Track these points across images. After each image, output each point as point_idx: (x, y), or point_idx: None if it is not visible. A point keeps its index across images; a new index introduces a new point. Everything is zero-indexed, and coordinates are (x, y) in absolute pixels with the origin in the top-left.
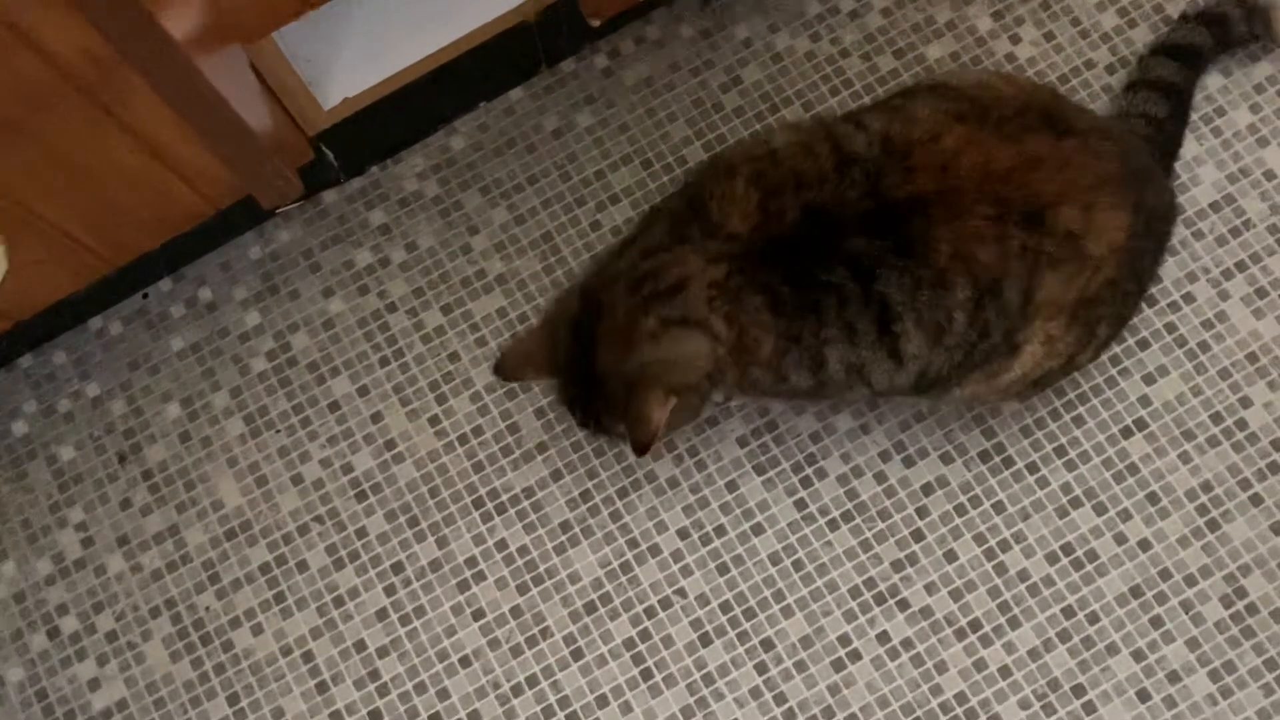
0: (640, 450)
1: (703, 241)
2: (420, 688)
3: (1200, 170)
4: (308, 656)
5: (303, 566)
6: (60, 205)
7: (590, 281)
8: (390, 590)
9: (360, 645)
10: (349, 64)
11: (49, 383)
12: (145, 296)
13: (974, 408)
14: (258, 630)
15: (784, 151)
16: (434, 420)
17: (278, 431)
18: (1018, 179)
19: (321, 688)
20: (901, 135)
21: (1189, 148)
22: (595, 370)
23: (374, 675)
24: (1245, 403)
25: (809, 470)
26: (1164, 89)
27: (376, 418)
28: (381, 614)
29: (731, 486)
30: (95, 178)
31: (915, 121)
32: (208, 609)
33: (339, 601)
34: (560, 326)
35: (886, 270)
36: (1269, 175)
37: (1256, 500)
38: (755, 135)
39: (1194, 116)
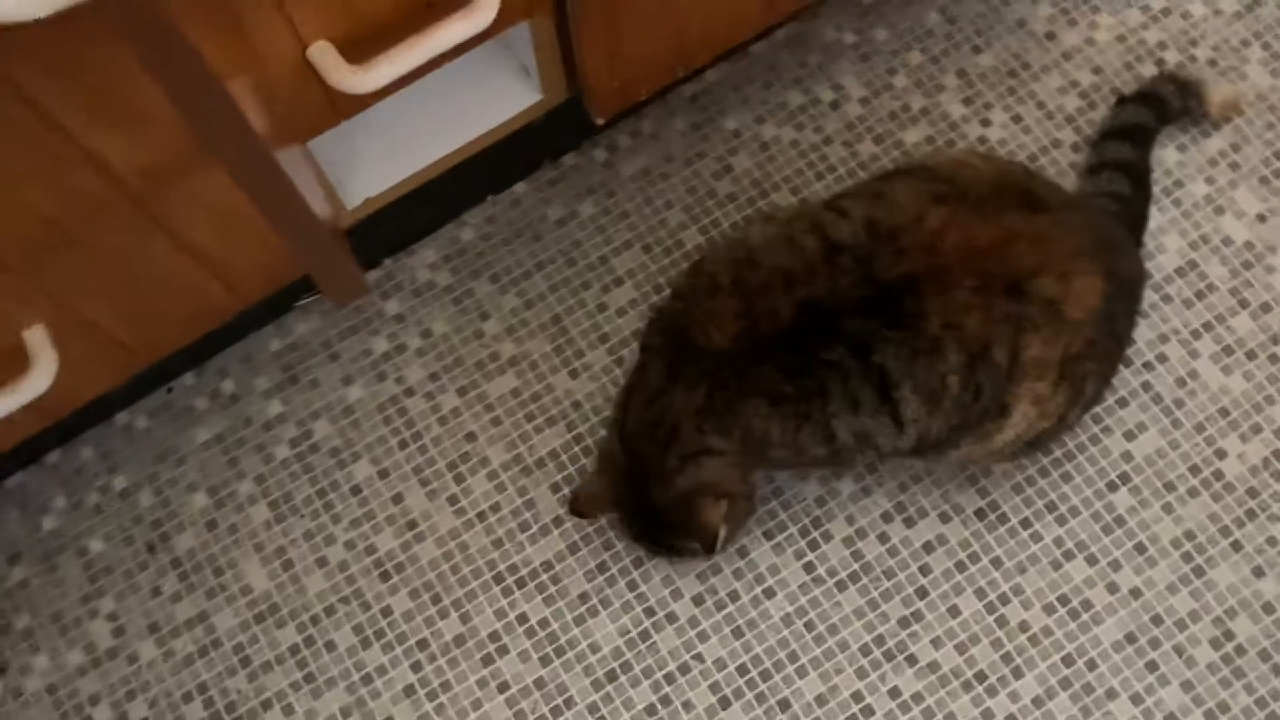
0: (709, 550)
1: (685, 369)
2: None
3: (1164, 239)
4: None
5: (331, 647)
6: (104, 307)
7: (628, 429)
8: (416, 667)
9: None
10: (370, 166)
11: (77, 477)
12: (170, 390)
13: (969, 468)
14: (289, 711)
15: (763, 250)
16: (453, 499)
17: (302, 516)
18: (998, 254)
19: None
20: (886, 220)
21: (1153, 219)
22: (653, 506)
23: None
24: (1220, 454)
25: (815, 534)
26: (1123, 168)
27: (397, 499)
28: (409, 690)
29: (742, 552)
30: (138, 280)
31: (898, 206)
32: (239, 692)
33: (367, 680)
34: (614, 473)
35: (882, 343)
36: (1226, 241)
37: (1237, 546)
38: (734, 231)
39: (1155, 190)
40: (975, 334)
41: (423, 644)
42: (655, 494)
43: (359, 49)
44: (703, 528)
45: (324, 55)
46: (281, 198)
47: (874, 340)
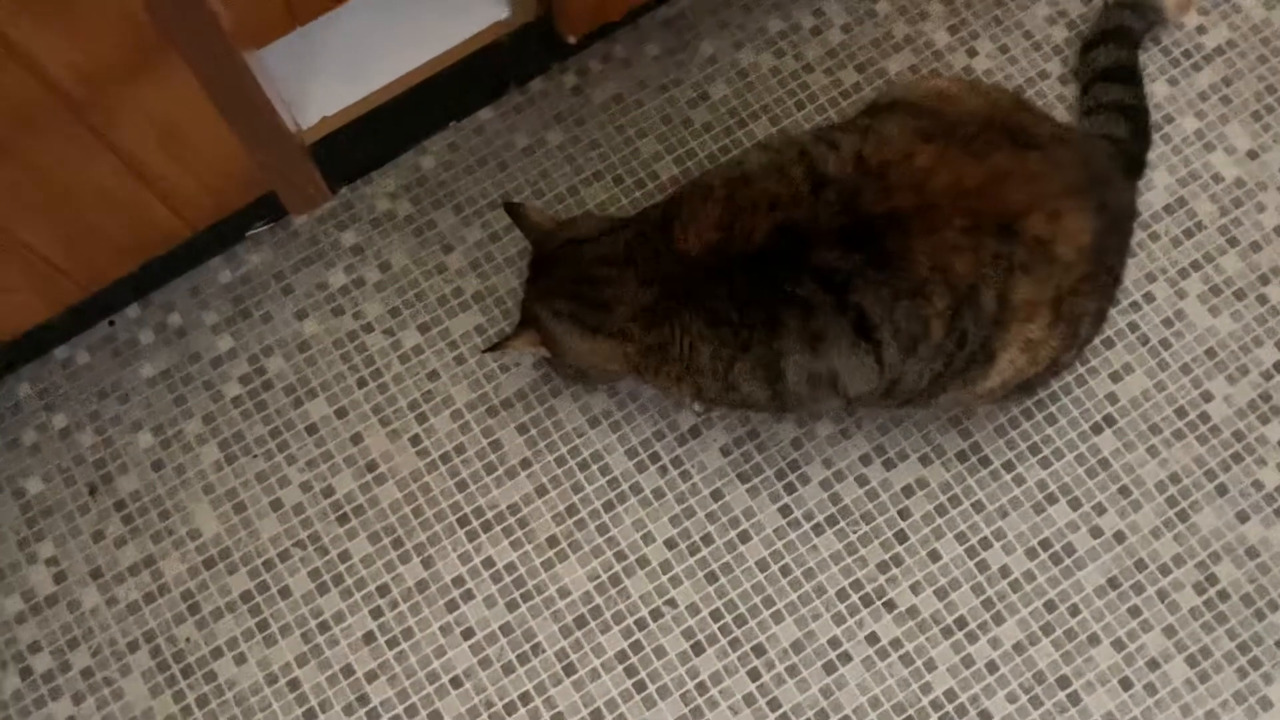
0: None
1: (646, 260)
2: (411, 710)
3: (1153, 175)
4: (294, 684)
5: (285, 593)
6: (41, 230)
7: (582, 252)
8: (377, 613)
9: (348, 670)
10: (326, 83)
11: (13, 415)
12: (112, 324)
13: (952, 410)
14: (241, 660)
15: (757, 173)
16: (415, 440)
17: (254, 457)
18: (988, 193)
19: (309, 715)
20: (875, 155)
21: None
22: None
23: (363, 700)
24: (1206, 396)
25: (792, 476)
26: (1120, 109)
27: (356, 439)
28: (368, 637)
29: (716, 495)
30: (77, 201)
31: (887, 142)
32: (188, 640)
33: (324, 627)
34: (545, 236)
35: (862, 282)
36: (1216, 179)
37: (1222, 490)
38: (731, 156)
39: None
40: (963, 275)
41: (383, 590)
42: (526, 289)
43: None
44: (507, 339)
45: None
46: (247, 97)
47: (852, 278)
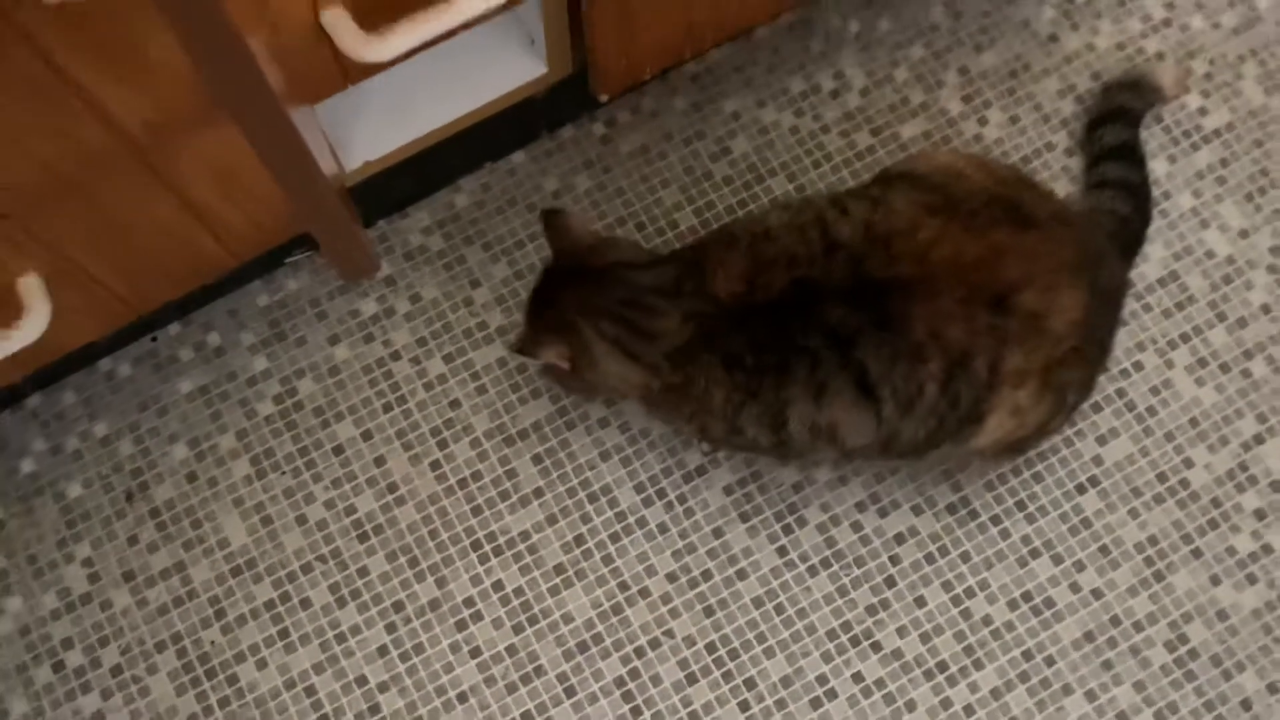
0: (514, 347)
1: (689, 297)
2: None
3: (1148, 249)
4: (310, 691)
5: (306, 604)
6: (103, 259)
7: (621, 254)
8: (391, 628)
9: (361, 680)
10: (370, 130)
11: (57, 422)
12: (154, 339)
13: (944, 465)
14: (262, 665)
15: (777, 230)
16: (435, 465)
17: (283, 473)
18: (985, 268)
19: None
20: (883, 225)
21: None
22: (544, 302)
23: (374, 710)
24: (1188, 464)
25: (790, 519)
26: (1125, 187)
27: (379, 461)
28: (382, 650)
29: (718, 533)
30: (137, 234)
31: (894, 213)
32: (213, 644)
33: (341, 638)
34: (588, 250)
35: (865, 341)
36: (1209, 254)
37: (1197, 554)
38: (752, 212)
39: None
40: (957, 343)
41: (398, 606)
42: (568, 300)
43: (373, 17)
44: (533, 343)
45: (338, 21)
46: (292, 156)
47: (858, 336)
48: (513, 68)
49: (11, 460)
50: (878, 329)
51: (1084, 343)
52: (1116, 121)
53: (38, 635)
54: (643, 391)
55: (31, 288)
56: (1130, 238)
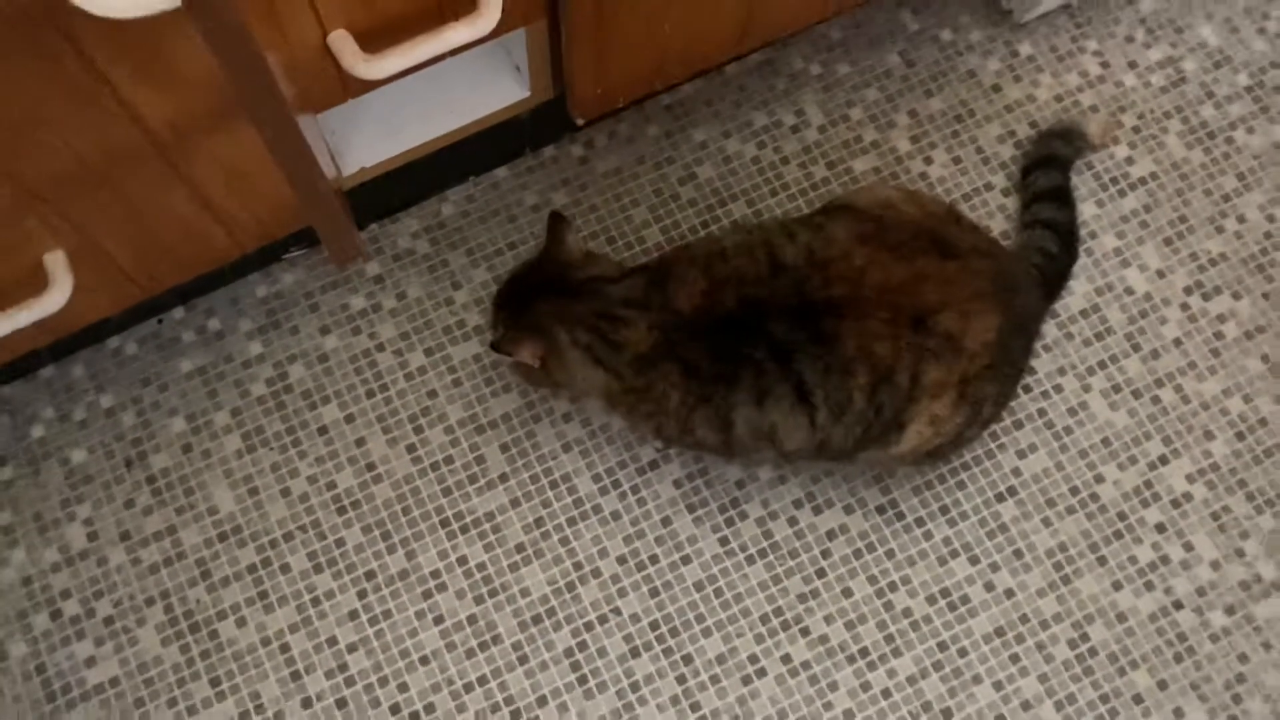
0: (491, 343)
1: (655, 310)
2: (383, 681)
3: (1073, 283)
4: (285, 648)
5: (285, 569)
6: (120, 242)
7: (600, 268)
8: (362, 594)
9: (332, 641)
10: (367, 139)
11: (67, 392)
12: (159, 322)
13: (876, 469)
14: (241, 623)
15: (731, 252)
16: (411, 448)
17: (271, 449)
18: (909, 291)
19: (295, 676)
20: (823, 251)
21: None
22: (525, 302)
23: (343, 668)
24: (1099, 479)
25: (733, 512)
26: (1052, 227)
27: (360, 442)
28: (353, 614)
29: (666, 521)
30: (152, 221)
31: (832, 241)
32: (198, 601)
33: (316, 602)
34: (573, 263)
35: (802, 354)
36: (1129, 291)
37: (1102, 561)
38: (711, 232)
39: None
40: (882, 358)
41: (370, 574)
42: (543, 308)
43: (374, 40)
44: (514, 346)
45: (343, 43)
46: (300, 157)
47: (796, 350)
48: (499, 91)
49: (23, 425)
50: (814, 344)
51: (998, 361)
52: (1049, 167)
53: (39, 585)
54: (605, 393)
55: (57, 263)
56: (1057, 273)
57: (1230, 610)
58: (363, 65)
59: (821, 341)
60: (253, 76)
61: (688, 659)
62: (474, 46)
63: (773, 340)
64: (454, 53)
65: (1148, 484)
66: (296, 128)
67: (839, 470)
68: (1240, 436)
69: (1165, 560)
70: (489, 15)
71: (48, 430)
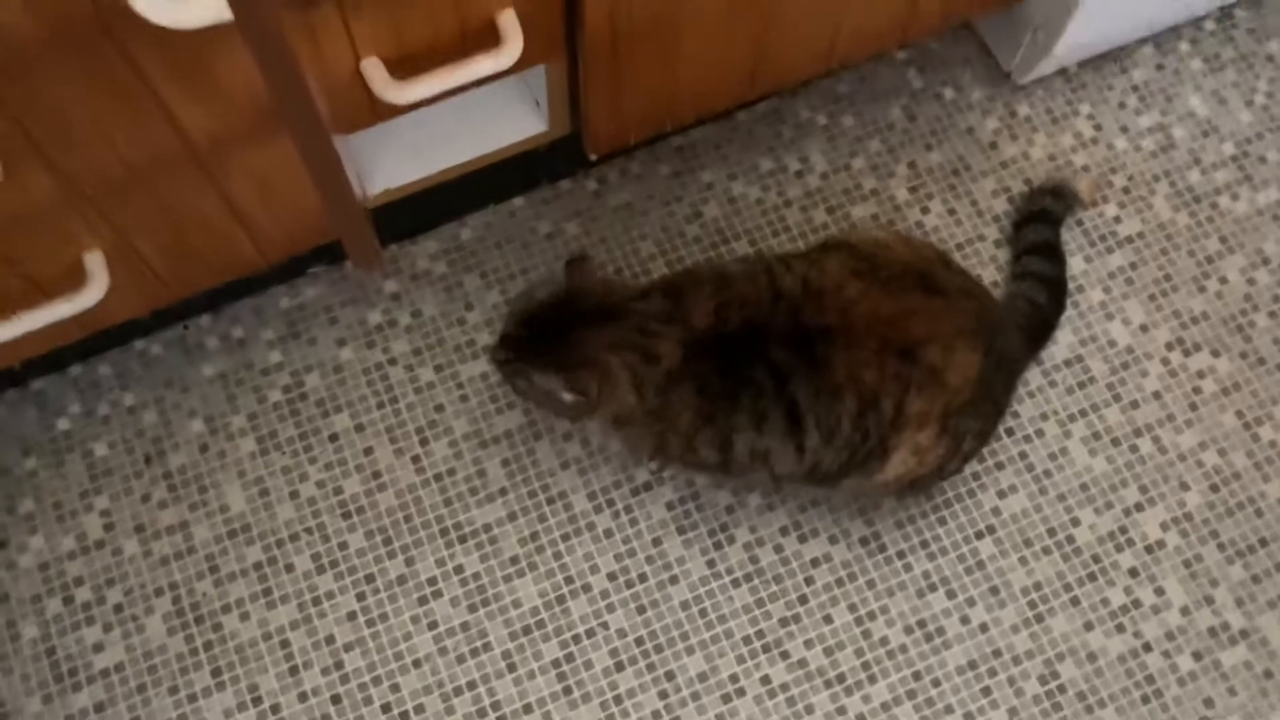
0: (574, 392)
1: (678, 325)
2: (376, 680)
3: (1059, 334)
4: (284, 644)
5: (290, 568)
6: (155, 244)
7: (625, 291)
8: (361, 596)
9: (330, 639)
10: (392, 162)
11: (93, 389)
12: (186, 327)
13: (861, 499)
14: (245, 617)
15: (734, 276)
16: (416, 459)
17: (283, 453)
18: (897, 324)
19: (293, 671)
20: (817, 282)
21: None
22: (573, 335)
23: (339, 665)
24: (1075, 522)
25: (721, 536)
26: (1042, 280)
27: (368, 451)
28: (351, 615)
29: (656, 542)
30: (184, 226)
31: (827, 274)
32: (204, 594)
33: (317, 601)
34: (604, 294)
35: (798, 378)
36: (1111, 344)
37: (1075, 602)
38: (714, 260)
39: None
40: (869, 385)
41: (369, 578)
42: (588, 338)
43: (403, 67)
44: (583, 382)
45: (374, 69)
46: (333, 172)
47: (792, 373)
48: (519, 123)
49: (50, 418)
50: (808, 368)
51: (978, 398)
52: (1040, 221)
53: (54, 571)
54: (621, 413)
55: (95, 261)
56: (1043, 322)
57: (1198, 655)
58: (391, 90)
59: (815, 366)
60: (293, 90)
61: (670, 675)
62: (496, 79)
63: (772, 363)
64: (477, 84)
65: (1123, 529)
66: (330, 141)
67: (825, 499)
68: (1214, 489)
69: (1137, 604)
70: (511, 50)
71: (73, 424)
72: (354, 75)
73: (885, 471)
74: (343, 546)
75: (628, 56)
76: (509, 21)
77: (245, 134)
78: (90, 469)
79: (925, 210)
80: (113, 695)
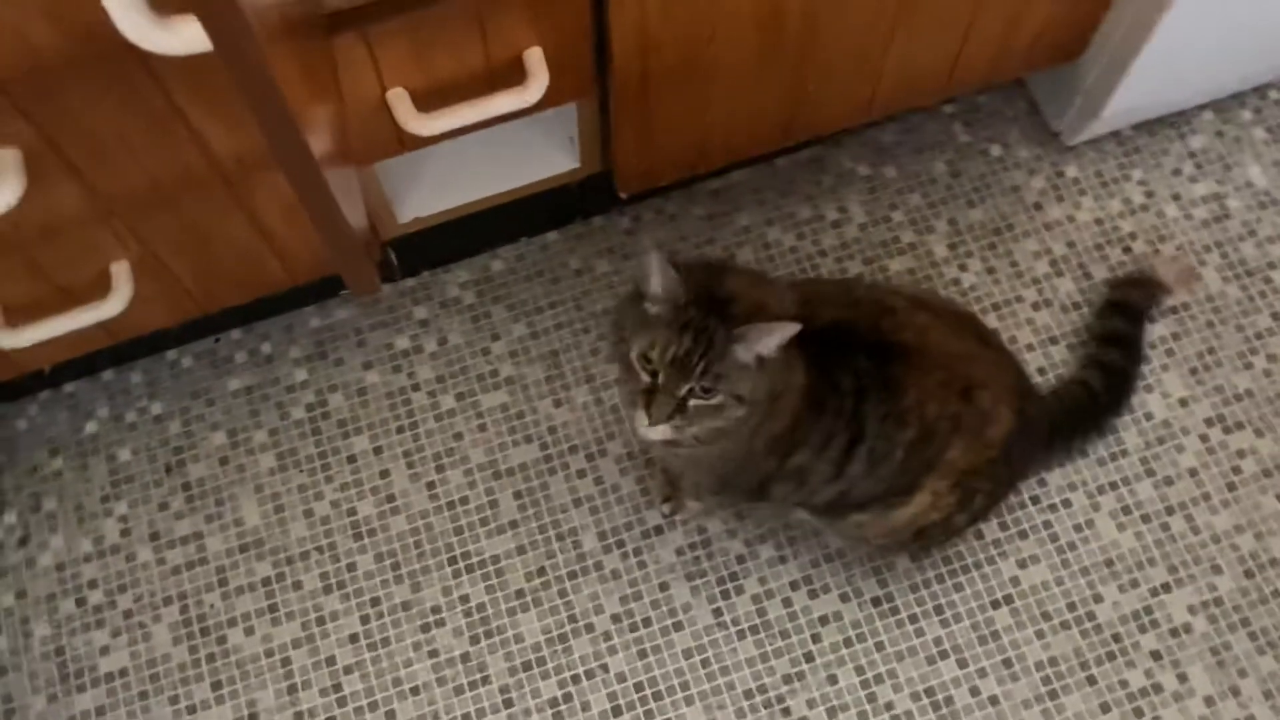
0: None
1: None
2: (373, 705)
3: None
4: (286, 661)
5: (298, 586)
6: (181, 258)
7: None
8: (365, 619)
9: (331, 660)
10: (424, 191)
11: (122, 395)
12: (217, 340)
13: (854, 541)
14: (249, 632)
15: (819, 282)
16: (430, 485)
17: (301, 470)
18: (963, 362)
19: (292, 690)
20: (888, 301)
21: None
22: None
23: (337, 688)
24: (1097, 598)
25: (730, 585)
26: (1106, 370)
27: (384, 474)
28: (354, 637)
29: (663, 587)
30: (211, 243)
31: (896, 295)
32: (212, 606)
33: (321, 621)
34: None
35: (873, 397)
36: (1148, 416)
37: (1092, 681)
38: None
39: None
40: (930, 418)
41: (375, 601)
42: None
43: (429, 99)
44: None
45: (399, 100)
46: (325, 203)
47: (869, 388)
48: (552, 159)
49: (80, 420)
50: (883, 388)
51: (1000, 458)
52: (1120, 314)
53: (70, 572)
54: (772, 398)
55: (120, 272)
56: (1090, 414)
57: None
58: (415, 122)
59: (889, 386)
60: (279, 122)
61: None
62: (524, 115)
63: (856, 372)
64: (504, 119)
65: (1147, 609)
66: (319, 171)
67: (839, 557)
68: (1249, 574)
69: (1158, 689)
70: (536, 87)
71: (100, 428)
72: (380, 105)
73: (906, 509)
74: (351, 568)
75: (657, 98)
76: (535, 59)
77: (269, 159)
78: (113, 474)
79: (963, 268)
80: (114, 700)
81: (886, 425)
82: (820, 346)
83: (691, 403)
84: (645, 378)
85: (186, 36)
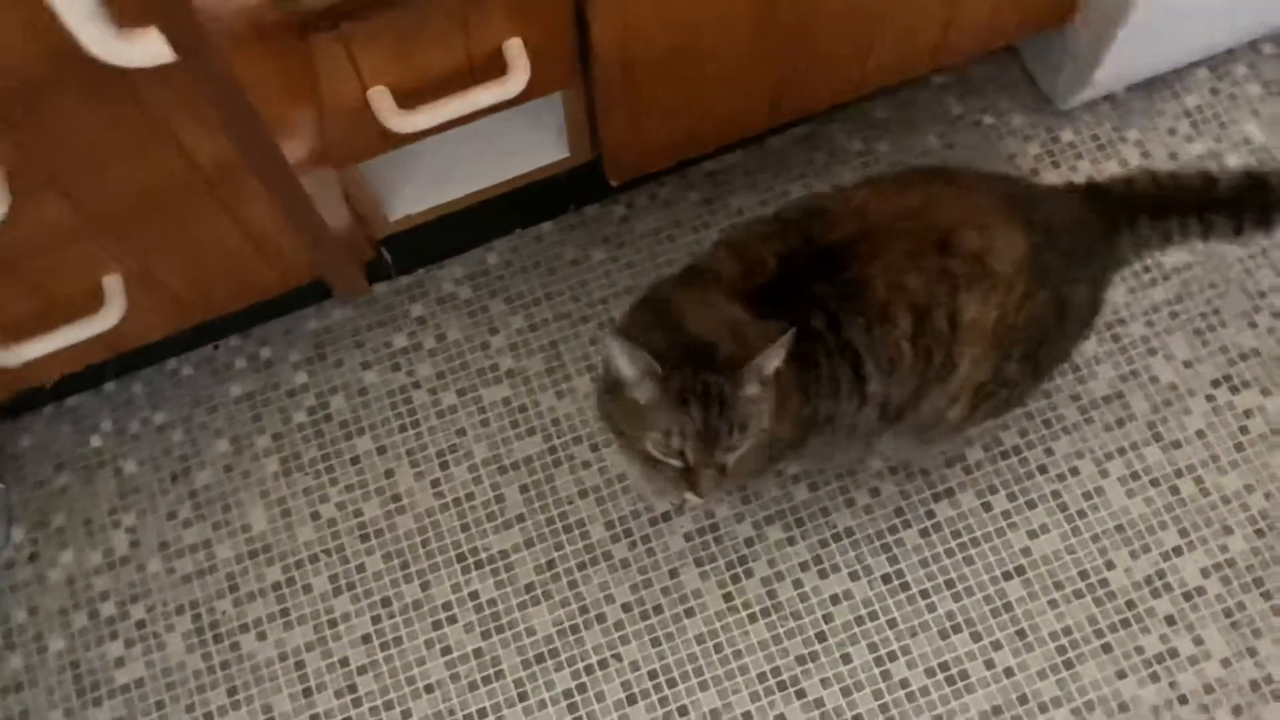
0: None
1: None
2: (389, 705)
3: (1098, 368)
4: (299, 665)
5: (308, 589)
6: (173, 267)
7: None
8: (376, 619)
9: (344, 662)
10: (415, 187)
11: (125, 407)
12: (215, 348)
13: (932, 437)
14: (262, 637)
15: (739, 229)
16: (435, 483)
17: (306, 474)
18: (921, 215)
19: (307, 693)
20: (815, 203)
21: (1090, 348)
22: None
23: (352, 689)
24: (1109, 565)
25: (739, 569)
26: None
27: (389, 474)
28: (366, 638)
29: (673, 573)
30: (202, 251)
31: (825, 195)
32: (224, 613)
33: (333, 623)
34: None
35: (846, 314)
36: (1153, 380)
37: (1107, 649)
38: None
39: (1098, 323)
40: (916, 293)
41: (385, 601)
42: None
43: (410, 96)
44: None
45: (380, 98)
46: (302, 208)
47: (839, 309)
48: (542, 150)
49: (84, 434)
50: (850, 298)
51: (1034, 287)
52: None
53: (81, 585)
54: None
55: (113, 284)
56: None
57: (1237, 710)
58: (397, 119)
59: (854, 292)
60: (249, 128)
61: (683, 711)
62: (508, 107)
63: (819, 303)
64: (487, 112)
65: (1160, 574)
66: (294, 175)
67: (848, 533)
68: (1260, 534)
69: (1173, 653)
70: (516, 80)
71: (104, 441)
72: (361, 104)
73: (956, 379)
74: (360, 569)
75: (643, 85)
76: (515, 50)
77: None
78: (120, 486)
79: None
80: (131, 711)
81: (875, 333)
82: (776, 302)
83: (729, 459)
84: (675, 462)
85: (149, 48)
